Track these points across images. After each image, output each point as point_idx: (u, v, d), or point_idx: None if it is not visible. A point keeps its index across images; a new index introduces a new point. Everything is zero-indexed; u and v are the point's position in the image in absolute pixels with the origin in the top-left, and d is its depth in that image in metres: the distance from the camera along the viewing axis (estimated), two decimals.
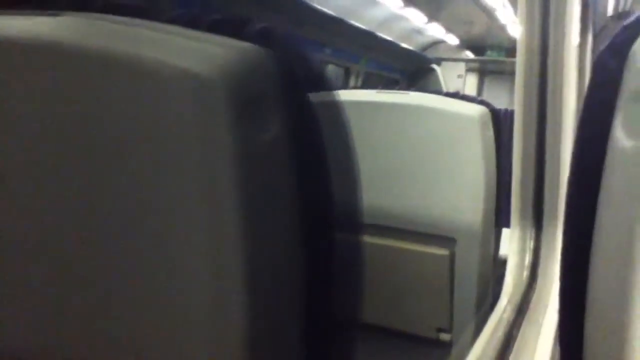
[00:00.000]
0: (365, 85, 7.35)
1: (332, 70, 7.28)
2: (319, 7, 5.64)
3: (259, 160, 0.43)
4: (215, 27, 0.46)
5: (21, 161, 0.47)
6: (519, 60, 1.32)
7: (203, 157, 0.41)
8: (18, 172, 0.47)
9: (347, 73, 7.49)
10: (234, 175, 0.41)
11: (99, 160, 0.44)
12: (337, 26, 6.30)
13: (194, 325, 0.44)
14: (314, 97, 0.50)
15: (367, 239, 1.45)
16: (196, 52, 0.42)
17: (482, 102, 1.48)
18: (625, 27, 0.37)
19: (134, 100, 0.42)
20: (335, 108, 0.57)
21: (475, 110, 1.39)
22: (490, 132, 1.41)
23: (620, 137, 0.35)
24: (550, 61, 1.29)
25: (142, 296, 0.45)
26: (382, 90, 1.54)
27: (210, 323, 0.44)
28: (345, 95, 1.57)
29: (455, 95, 1.56)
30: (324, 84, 0.54)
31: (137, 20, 0.47)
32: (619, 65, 0.36)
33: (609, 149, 0.36)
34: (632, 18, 0.37)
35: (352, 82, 7.45)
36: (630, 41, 0.35)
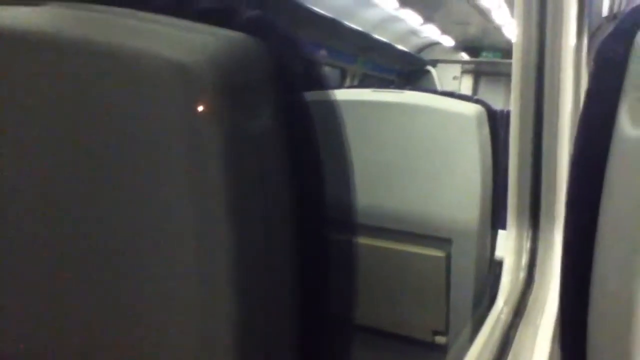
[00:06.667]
0: (361, 87, 7.34)
1: (328, 72, 7.28)
2: (314, 8, 5.63)
3: (247, 154, 0.41)
4: (203, 17, 0.44)
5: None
6: (516, 60, 1.31)
7: (189, 149, 0.39)
8: None
9: (343, 74, 7.50)
10: (221, 169, 0.39)
11: (83, 151, 0.43)
12: (333, 27, 6.29)
13: (181, 327, 0.43)
14: (308, 95, 0.48)
15: (363, 240, 1.44)
16: (182, 42, 0.40)
17: (478, 102, 1.47)
18: (632, 12, 0.35)
19: (119, 91, 0.40)
20: (330, 106, 0.55)
21: (471, 109, 1.38)
22: (487, 132, 1.40)
23: (626, 126, 0.33)
24: (547, 61, 1.28)
25: (125, 294, 0.44)
26: (378, 90, 1.53)
27: (198, 326, 0.42)
28: (340, 94, 1.56)
29: (451, 94, 1.55)
30: (317, 79, 0.52)
31: (123, 10, 0.46)
32: (625, 52, 0.34)
33: (614, 139, 0.35)
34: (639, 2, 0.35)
35: (348, 83, 7.45)
36: (637, 26, 0.34)
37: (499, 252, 1.48)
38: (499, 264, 1.35)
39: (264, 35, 0.43)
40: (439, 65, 10.07)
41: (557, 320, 1.00)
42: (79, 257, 0.44)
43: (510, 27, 8.16)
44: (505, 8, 7.60)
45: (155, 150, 0.40)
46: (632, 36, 0.34)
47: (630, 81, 0.33)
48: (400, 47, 8.67)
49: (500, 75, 10.07)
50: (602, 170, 0.36)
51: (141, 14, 0.45)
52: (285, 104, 0.44)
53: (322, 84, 0.53)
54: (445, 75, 10.24)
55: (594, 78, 0.37)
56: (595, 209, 0.36)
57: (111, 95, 0.41)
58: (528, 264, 1.19)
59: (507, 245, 1.23)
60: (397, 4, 7.13)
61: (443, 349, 1.47)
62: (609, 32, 0.36)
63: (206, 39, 0.41)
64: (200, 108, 0.38)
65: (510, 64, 1.36)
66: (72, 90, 0.42)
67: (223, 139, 0.39)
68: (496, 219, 1.45)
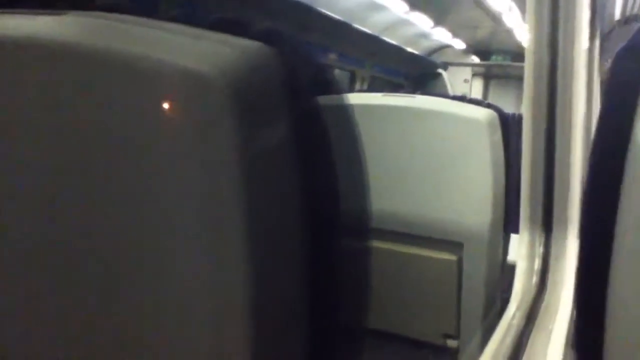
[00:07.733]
0: (371, 90, 7.37)
1: (337, 74, 7.29)
2: (324, 11, 5.65)
3: (263, 161, 0.42)
4: (218, 27, 0.45)
5: (19, 160, 0.46)
6: (528, 64, 1.31)
7: (205, 157, 0.40)
8: (16, 171, 0.46)
9: (353, 77, 7.50)
10: (237, 177, 0.39)
11: (98, 161, 0.43)
12: (342, 30, 6.30)
13: (197, 334, 0.43)
14: (322, 99, 0.49)
15: (374, 243, 1.44)
16: (198, 51, 0.41)
17: (489, 106, 1.47)
18: None
19: (135, 98, 0.41)
20: (344, 111, 0.56)
21: (483, 114, 1.38)
22: (499, 136, 1.40)
23: None
24: (559, 65, 1.28)
25: (139, 304, 0.44)
26: (389, 94, 1.53)
27: (213, 331, 0.43)
28: (351, 98, 1.56)
29: (463, 98, 1.55)
30: (330, 86, 0.53)
31: (140, 19, 0.46)
32: (639, 67, 0.34)
33: (630, 153, 0.35)
34: None
35: (357, 86, 7.45)
36: None
37: (511, 256, 1.48)
38: (512, 268, 1.35)
39: (277, 46, 0.44)
40: (450, 68, 10.05)
41: (569, 325, 0.99)
42: (101, 263, 0.45)
43: (521, 30, 8.13)
44: (516, 10, 7.57)
45: (170, 160, 0.41)
46: None
47: None
48: (410, 50, 8.66)
49: (510, 77, 10.03)
50: (618, 184, 0.36)
51: (157, 22, 0.46)
52: (299, 111, 0.44)
53: (334, 90, 0.54)
54: (456, 78, 10.21)
55: (610, 91, 0.38)
56: (612, 221, 0.36)
57: (127, 102, 0.42)
58: (540, 269, 1.19)
59: (520, 250, 1.22)
60: (407, 8, 7.14)
61: (454, 352, 1.47)
62: (621, 48, 0.37)
63: (222, 48, 0.41)
64: (217, 116, 0.39)
65: (520, 67, 1.36)
66: (86, 97, 0.43)
67: (239, 146, 0.39)
68: (508, 223, 1.45)
